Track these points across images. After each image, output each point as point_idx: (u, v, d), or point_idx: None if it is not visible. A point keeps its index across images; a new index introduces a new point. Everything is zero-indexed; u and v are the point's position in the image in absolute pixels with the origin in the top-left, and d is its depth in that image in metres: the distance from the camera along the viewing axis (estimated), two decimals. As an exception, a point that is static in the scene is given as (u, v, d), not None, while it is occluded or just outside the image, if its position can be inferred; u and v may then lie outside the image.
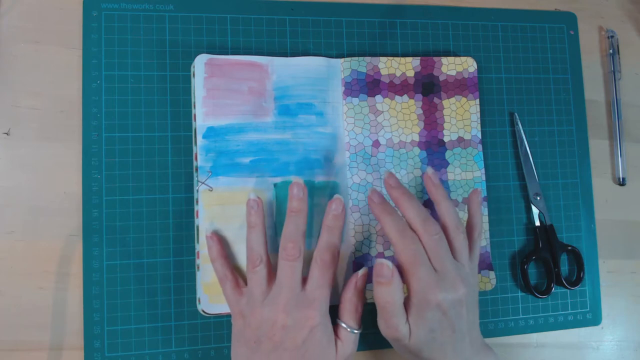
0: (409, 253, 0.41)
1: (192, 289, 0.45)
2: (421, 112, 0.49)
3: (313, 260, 0.42)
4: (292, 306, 0.39)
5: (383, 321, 0.41)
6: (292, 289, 0.40)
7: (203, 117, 0.45)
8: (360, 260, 0.47)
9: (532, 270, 0.51)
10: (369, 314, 0.45)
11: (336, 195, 0.43)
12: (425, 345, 0.40)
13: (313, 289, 0.41)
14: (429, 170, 0.45)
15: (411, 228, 0.42)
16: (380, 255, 0.47)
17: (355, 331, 0.42)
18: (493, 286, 0.49)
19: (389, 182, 0.44)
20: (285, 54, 0.49)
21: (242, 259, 0.44)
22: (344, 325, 0.42)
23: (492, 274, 0.49)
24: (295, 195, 0.42)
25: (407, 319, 0.41)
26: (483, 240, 0.49)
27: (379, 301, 0.40)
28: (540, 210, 0.51)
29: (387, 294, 0.40)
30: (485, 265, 0.49)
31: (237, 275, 0.43)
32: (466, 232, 0.44)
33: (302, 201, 0.42)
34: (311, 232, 0.46)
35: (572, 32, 0.55)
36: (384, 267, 0.40)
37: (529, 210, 0.52)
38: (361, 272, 0.44)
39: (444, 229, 0.43)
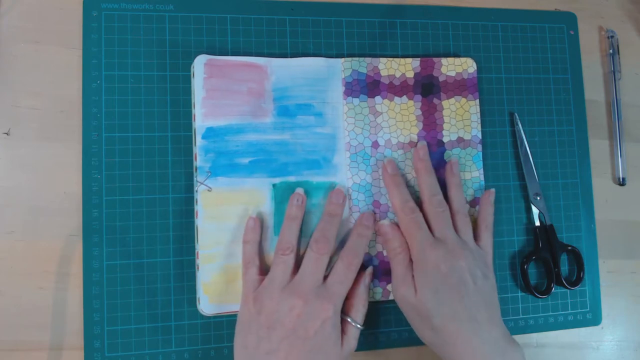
0: (408, 220, 0.45)
1: (192, 289, 0.45)
2: (420, 113, 0.49)
3: (339, 259, 0.44)
4: (312, 296, 0.41)
5: (393, 277, 0.45)
6: (315, 280, 0.42)
7: (202, 118, 0.45)
8: (360, 260, 0.47)
9: (532, 270, 0.51)
10: (369, 315, 0.45)
11: (368, 211, 0.47)
12: (434, 308, 0.41)
13: (334, 283, 0.42)
14: (453, 160, 0.49)
15: (419, 203, 0.46)
16: (380, 254, 0.47)
17: (360, 326, 0.43)
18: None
19: (418, 153, 0.48)
20: (285, 54, 0.49)
21: (238, 259, 0.44)
22: (349, 320, 0.43)
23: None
24: (334, 201, 0.46)
25: (412, 277, 0.43)
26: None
27: (390, 255, 0.45)
28: (540, 210, 0.51)
29: (392, 244, 0.45)
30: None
31: (263, 262, 0.44)
32: (475, 223, 0.48)
33: (339, 207, 0.46)
34: (308, 232, 0.46)
35: (572, 32, 0.55)
36: (385, 226, 0.46)
37: (529, 210, 0.52)
38: (368, 270, 0.46)
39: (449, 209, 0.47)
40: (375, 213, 0.47)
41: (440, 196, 0.46)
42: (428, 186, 0.46)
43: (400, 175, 0.47)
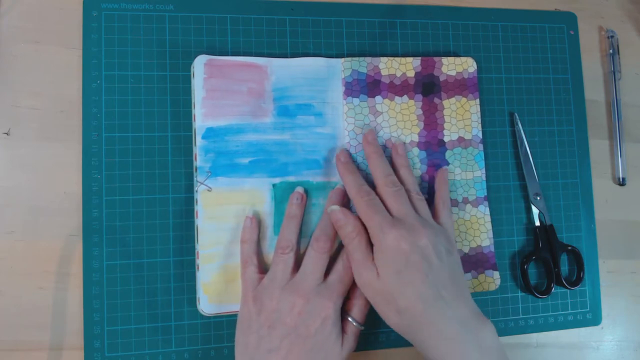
0: (364, 203, 0.43)
1: (192, 289, 0.45)
2: (421, 112, 0.49)
3: (339, 257, 0.43)
4: (313, 294, 0.41)
5: (353, 264, 0.42)
6: (316, 279, 0.42)
7: (202, 118, 0.45)
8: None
9: (532, 270, 0.51)
10: (369, 315, 0.45)
11: None
12: (397, 290, 0.39)
13: (334, 281, 0.42)
14: (398, 142, 0.48)
15: (374, 187, 0.45)
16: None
17: (360, 326, 0.43)
18: (497, 286, 0.49)
19: (367, 138, 0.47)
20: (285, 54, 0.49)
21: (238, 259, 0.45)
22: (350, 319, 0.43)
23: (496, 274, 0.49)
24: (334, 200, 0.46)
25: (373, 260, 0.41)
26: (486, 240, 0.49)
27: (345, 242, 0.43)
28: (540, 210, 0.51)
29: (346, 229, 0.42)
30: (489, 265, 0.49)
31: (261, 261, 0.44)
32: (432, 203, 0.47)
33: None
34: (308, 232, 0.46)
35: (572, 32, 0.55)
36: (335, 212, 0.43)
37: (529, 210, 0.52)
38: None
39: None
40: None
41: (394, 176, 0.45)
42: (380, 167, 0.45)
43: (353, 163, 0.47)
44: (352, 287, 0.45)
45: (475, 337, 0.38)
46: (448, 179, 0.48)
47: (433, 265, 0.40)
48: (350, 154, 0.47)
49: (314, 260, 0.42)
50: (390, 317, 0.41)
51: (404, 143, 0.48)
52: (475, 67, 0.50)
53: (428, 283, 0.39)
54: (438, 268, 0.40)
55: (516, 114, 0.52)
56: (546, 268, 0.51)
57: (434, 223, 0.44)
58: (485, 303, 0.50)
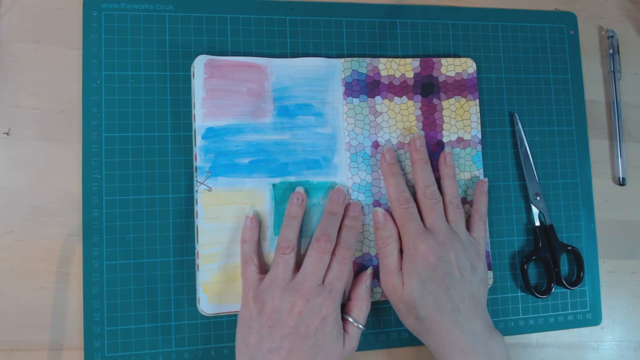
0: (401, 211, 0.45)
1: (192, 289, 0.45)
2: (420, 113, 0.49)
3: (333, 256, 0.43)
4: (313, 294, 0.41)
5: (381, 267, 0.45)
6: (316, 279, 0.42)
7: (202, 118, 0.45)
8: (360, 260, 0.47)
9: (532, 270, 0.51)
10: (369, 315, 0.45)
11: (354, 202, 0.47)
12: (419, 299, 0.42)
13: (331, 280, 0.42)
14: (447, 150, 0.49)
15: (414, 194, 0.47)
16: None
17: (361, 327, 0.43)
18: (489, 285, 0.49)
19: (415, 143, 0.48)
20: (285, 54, 0.49)
21: (238, 259, 0.45)
22: (351, 319, 0.43)
23: (490, 273, 0.49)
24: (335, 200, 0.46)
25: (401, 268, 0.44)
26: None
27: (378, 244, 0.45)
28: (540, 210, 0.51)
29: (383, 233, 0.45)
30: (485, 265, 0.49)
31: (261, 261, 0.45)
32: (469, 213, 0.49)
33: (340, 205, 0.46)
34: (308, 232, 0.46)
35: (572, 32, 0.55)
36: (378, 214, 0.46)
37: (529, 210, 0.52)
38: (368, 271, 0.46)
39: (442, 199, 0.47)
40: (360, 202, 0.47)
41: (434, 187, 0.46)
42: (422, 177, 0.47)
43: (398, 165, 0.47)
44: (353, 288, 0.45)
45: (485, 348, 0.42)
46: (487, 191, 0.49)
47: (455, 279, 0.43)
48: (395, 154, 0.48)
49: (315, 260, 0.42)
50: (409, 322, 0.44)
51: (452, 152, 0.49)
52: (475, 68, 0.51)
53: (448, 296, 0.42)
54: (459, 283, 0.43)
55: (516, 114, 0.52)
56: (546, 268, 0.51)
57: (465, 237, 0.46)
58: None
